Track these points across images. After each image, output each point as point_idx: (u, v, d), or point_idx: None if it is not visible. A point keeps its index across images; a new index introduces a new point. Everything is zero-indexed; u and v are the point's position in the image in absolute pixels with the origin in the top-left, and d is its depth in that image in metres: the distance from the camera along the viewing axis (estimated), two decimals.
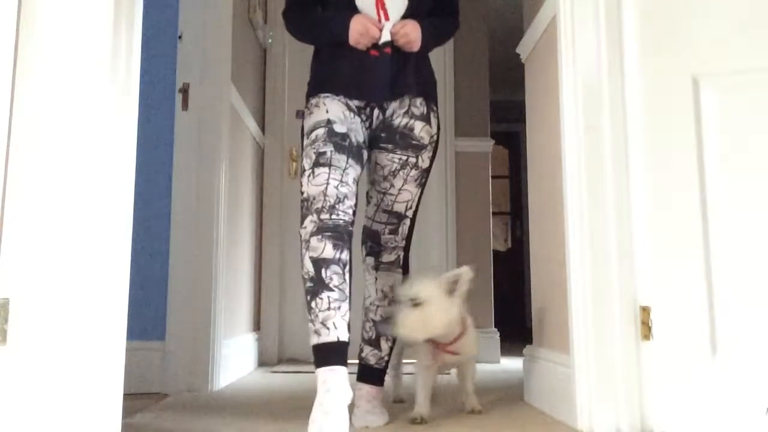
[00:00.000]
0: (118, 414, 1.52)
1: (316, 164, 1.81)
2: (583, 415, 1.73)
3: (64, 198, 1.37)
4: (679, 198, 1.68)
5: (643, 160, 1.75)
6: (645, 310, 1.71)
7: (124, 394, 1.64)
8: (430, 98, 2.02)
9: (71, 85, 1.40)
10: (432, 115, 2.01)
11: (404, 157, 1.96)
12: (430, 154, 2.00)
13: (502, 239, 7.44)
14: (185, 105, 2.62)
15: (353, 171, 1.85)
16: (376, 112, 1.95)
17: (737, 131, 1.64)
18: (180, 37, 2.65)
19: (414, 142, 1.96)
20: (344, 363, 1.71)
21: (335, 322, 1.72)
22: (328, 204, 1.76)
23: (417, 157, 1.97)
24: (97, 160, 1.47)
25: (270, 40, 3.88)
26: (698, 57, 1.70)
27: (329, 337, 1.72)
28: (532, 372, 2.27)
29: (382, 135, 1.97)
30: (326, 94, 1.91)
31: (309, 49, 2.06)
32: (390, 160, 1.97)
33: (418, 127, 1.97)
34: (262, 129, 3.88)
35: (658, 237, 1.71)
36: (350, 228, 1.80)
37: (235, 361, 2.96)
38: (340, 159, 1.82)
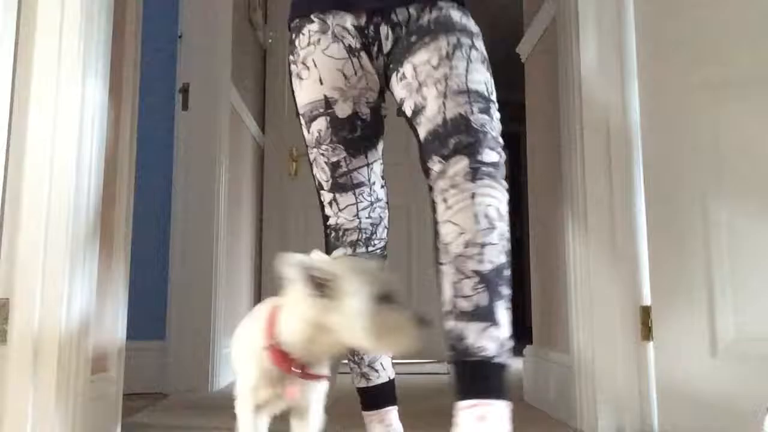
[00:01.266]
0: (118, 414, 1.52)
1: (337, 188, 1.43)
2: (583, 415, 1.73)
3: (64, 198, 1.37)
4: (679, 198, 1.68)
5: (643, 160, 1.75)
6: (645, 310, 1.71)
7: (124, 394, 1.64)
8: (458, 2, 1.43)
9: (71, 85, 1.40)
10: (468, 15, 1.43)
11: (455, 38, 1.32)
12: (482, 43, 1.38)
13: None
14: (185, 105, 2.62)
15: (378, 167, 1.47)
16: (384, 29, 1.37)
17: (737, 131, 1.64)
18: (180, 37, 2.65)
19: (459, 26, 1.36)
20: (395, 400, 1.51)
21: (383, 362, 1.49)
22: (364, 236, 1.46)
23: (471, 40, 1.34)
24: (96, 159, 1.47)
25: (270, 40, 3.88)
26: (698, 57, 1.70)
27: (380, 379, 1.49)
28: (532, 372, 2.27)
29: (409, 40, 1.34)
30: (309, 22, 1.40)
31: None
32: (436, 48, 1.30)
33: (456, 15, 1.38)
34: (262, 129, 3.88)
35: (658, 237, 1.71)
36: (386, 251, 1.50)
37: None
38: (360, 165, 1.44)
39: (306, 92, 1.43)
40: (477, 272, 1.12)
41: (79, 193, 1.39)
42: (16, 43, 1.35)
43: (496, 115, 1.27)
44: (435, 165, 1.21)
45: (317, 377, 1.12)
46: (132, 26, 1.69)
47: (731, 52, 1.67)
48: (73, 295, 1.36)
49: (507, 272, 1.16)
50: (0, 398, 1.27)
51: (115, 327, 1.66)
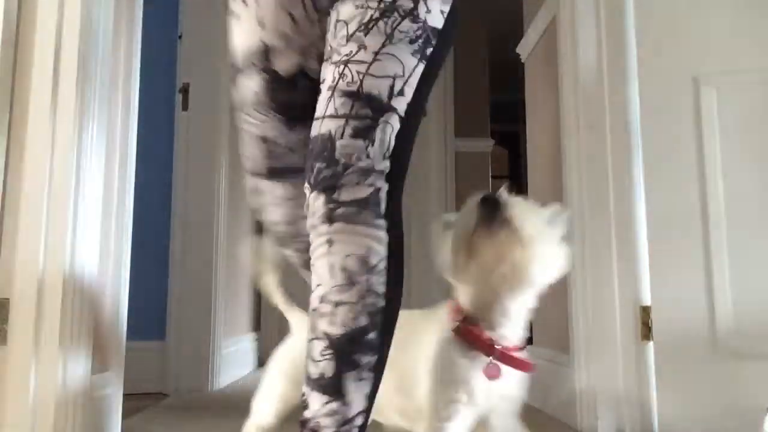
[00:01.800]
0: (118, 414, 1.52)
1: (267, 173, 1.12)
2: (583, 415, 1.73)
3: (64, 197, 1.37)
4: (679, 197, 1.68)
5: (643, 160, 1.75)
6: (645, 310, 1.71)
7: (124, 394, 1.64)
8: None
9: (71, 84, 1.40)
10: None
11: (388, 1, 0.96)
12: (438, 14, 0.98)
13: None
14: (185, 105, 2.62)
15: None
16: None
17: (737, 131, 1.64)
18: (180, 37, 2.65)
19: None
20: None
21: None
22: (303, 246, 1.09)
23: (415, 4, 0.96)
24: (96, 159, 1.47)
25: None
26: (698, 57, 1.70)
27: None
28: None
29: None
30: None
31: None
32: (364, 5, 0.96)
33: None
34: None
35: (658, 237, 1.71)
36: None
37: (235, 361, 2.95)
38: (299, 145, 1.08)
39: (239, 36, 1.07)
40: (326, 335, 0.89)
41: (79, 193, 1.39)
42: (16, 45, 1.35)
43: (389, 129, 0.92)
44: (306, 190, 0.93)
45: (522, 364, 1.04)
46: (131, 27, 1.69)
47: (732, 49, 1.67)
48: (74, 295, 1.36)
49: (369, 336, 0.89)
50: (0, 398, 1.27)
51: (115, 327, 1.66)
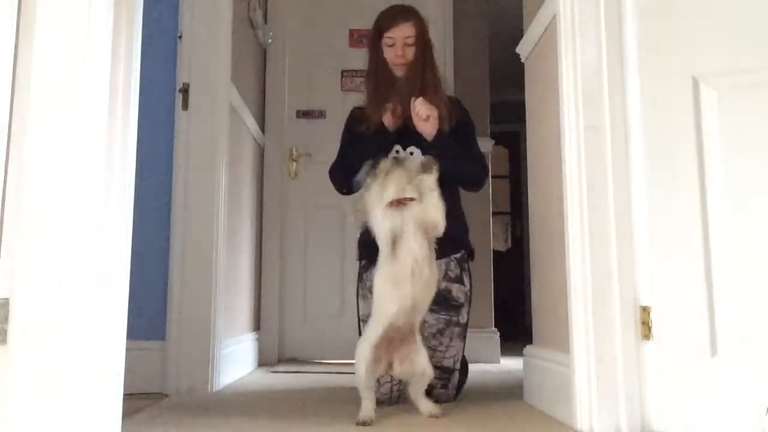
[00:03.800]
0: (118, 414, 1.52)
1: None
2: (583, 415, 1.73)
3: (64, 197, 1.37)
4: (679, 198, 1.68)
5: (643, 160, 1.75)
6: (645, 310, 1.71)
7: (124, 394, 1.64)
8: (462, 258, 2.34)
9: (70, 83, 1.40)
10: (464, 275, 2.32)
11: (447, 317, 2.24)
12: (467, 308, 2.31)
13: (502, 239, 7.44)
14: (185, 105, 2.62)
15: None
16: None
17: (737, 131, 1.64)
18: (180, 37, 2.65)
19: (453, 303, 2.27)
20: None
21: None
22: None
23: (458, 316, 2.27)
24: (96, 159, 1.47)
25: (270, 40, 3.88)
26: (698, 57, 1.70)
27: None
28: (532, 372, 2.27)
29: None
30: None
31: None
32: (436, 320, 2.22)
33: (454, 288, 2.28)
34: (262, 129, 3.88)
35: (658, 237, 1.71)
36: None
37: (235, 361, 2.95)
38: None
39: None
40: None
41: (79, 192, 1.39)
42: (16, 45, 1.35)
43: (453, 379, 2.30)
44: None
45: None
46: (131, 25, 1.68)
47: (732, 49, 1.67)
48: (74, 295, 1.36)
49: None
50: (0, 398, 1.27)
51: (115, 326, 1.65)
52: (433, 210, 1.91)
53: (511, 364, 3.67)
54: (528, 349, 2.37)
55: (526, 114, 2.48)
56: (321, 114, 4.02)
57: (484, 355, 3.79)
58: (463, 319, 2.28)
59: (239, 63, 3.12)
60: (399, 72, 2.39)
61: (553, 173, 2.05)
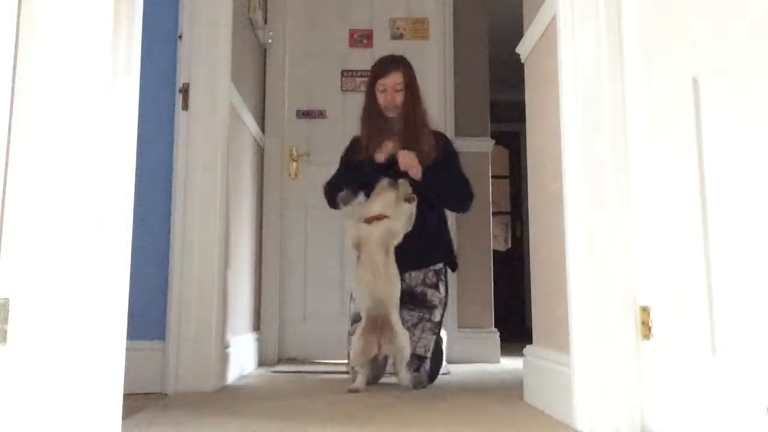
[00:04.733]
0: (118, 414, 1.52)
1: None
2: (583, 415, 1.73)
3: (64, 197, 1.37)
4: (679, 198, 1.68)
5: (643, 159, 1.75)
6: (645, 310, 1.71)
7: (124, 394, 1.64)
8: (440, 270, 2.83)
9: (70, 84, 1.40)
10: (440, 283, 2.81)
11: (420, 314, 2.74)
12: (441, 311, 2.80)
13: (502, 239, 7.44)
14: (185, 105, 2.62)
15: None
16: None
17: (737, 131, 1.64)
18: (180, 37, 2.65)
19: (427, 304, 2.77)
20: None
21: None
22: None
23: (430, 315, 2.76)
24: (96, 159, 1.47)
25: (270, 40, 3.88)
26: (698, 57, 1.70)
27: None
28: (532, 372, 2.27)
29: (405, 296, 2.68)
30: None
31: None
32: (410, 316, 2.72)
33: (429, 293, 2.78)
34: (262, 129, 3.88)
35: (658, 237, 1.71)
36: None
37: (236, 361, 2.95)
38: None
39: None
40: None
41: (80, 192, 1.39)
42: (16, 45, 1.35)
43: (425, 364, 2.77)
44: None
45: None
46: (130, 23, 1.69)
47: (732, 49, 1.67)
48: (74, 295, 1.36)
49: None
50: (0, 398, 1.27)
51: (115, 327, 1.65)
52: (397, 226, 2.56)
53: (511, 364, 3.66)
54: (528, 349, 2.37)
55: (526, 114, 2.48)
56: (321, 114, 4.02)
57: (484, 355, 3.79)
58: (435, 318, 2.76)
59: (239, 63, 3.12)
60: (390, 113, 2.85)
61: (553, 173, 2.05)
